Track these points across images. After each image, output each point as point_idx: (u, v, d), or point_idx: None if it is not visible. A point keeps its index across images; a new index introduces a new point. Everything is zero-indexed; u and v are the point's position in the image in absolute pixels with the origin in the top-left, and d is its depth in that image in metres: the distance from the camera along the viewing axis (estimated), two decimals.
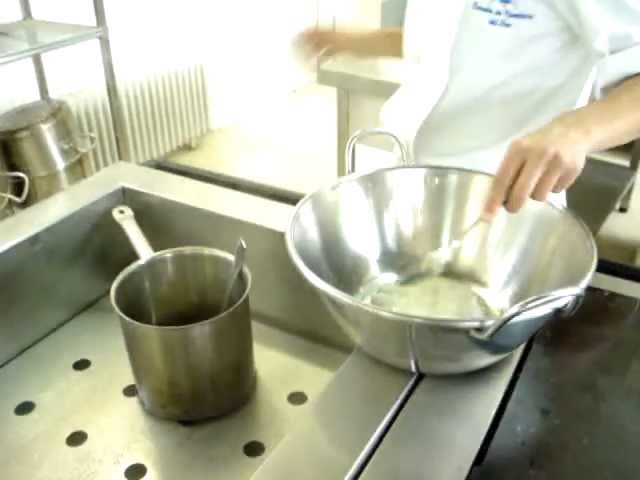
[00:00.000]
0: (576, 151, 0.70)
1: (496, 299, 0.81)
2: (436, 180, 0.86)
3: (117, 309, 0.83)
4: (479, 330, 0.58)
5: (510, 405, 0.67)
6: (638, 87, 0.84)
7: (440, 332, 0.63)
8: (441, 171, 0.87)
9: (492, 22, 0.94)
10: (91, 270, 1.11)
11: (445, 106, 1.06)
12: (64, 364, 1.00)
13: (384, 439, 0.64)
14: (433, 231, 0.86)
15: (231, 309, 0.83)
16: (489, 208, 0.72)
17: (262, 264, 1.03)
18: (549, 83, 1.00)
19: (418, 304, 0.79)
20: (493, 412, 0.67)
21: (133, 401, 0.93)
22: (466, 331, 0.59)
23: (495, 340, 0.60)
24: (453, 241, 0.85)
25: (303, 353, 1.02)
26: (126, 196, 1.13)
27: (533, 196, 0.71)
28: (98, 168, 2.95)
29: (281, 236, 1.02)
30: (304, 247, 0.74)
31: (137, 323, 0.82)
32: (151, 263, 0.92)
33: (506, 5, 0.92)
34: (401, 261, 0.85)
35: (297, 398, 0.94)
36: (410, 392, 0.70)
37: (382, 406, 0.68)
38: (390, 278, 0.86)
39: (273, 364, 0.99)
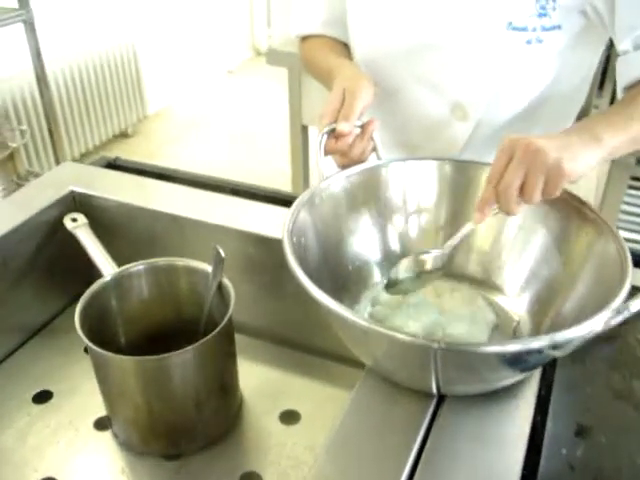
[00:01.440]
0: (570, 155, 0.64)
1: (508, 303, 0.74)
2: (443, 172, 0.78)
3: (84, 338, 0.73)
4: (554, 348, 0.52)
5: (549, 424, 0.60)
6: None
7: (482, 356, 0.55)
8: (449, 163, 0.79)
9: (528, 42, 0.83)
10: (43, 287, 0.99)
11: (459, 138, 0.94)
12: (22, 398, 0.88)
13: (416, 473, 0.57)
14: (438, 229, 0.78)
15: (215, 331, 0.74)
16: (479, 208, 0.67)
17: (239, 270, 0.94)
18: (568, 87, 0.93)
19: (424, 313, 0.71)
20: (527, 431, 0.61)
21: (106, 436, 0.83)
22: (539, 351, 0.52)
23: (533, 358, 0.54)
24: (447, 242, 0.76)
25: (290, 365, 0.93)
26: (77, 201, 1.01)
27: (521, 197, 0.65)
28: (31, 163, 2.75)
29: (257, 239, 0.93)
30: (302, 255, 0.65)
31: (109, 354, 0.72)
32: (117, 279, 0.82)
33: (542, 19, 0.82)
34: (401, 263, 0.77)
35: (289, 417, 0.85)
36: (433, 416, 0.63)
37: (407, 436, 0.60)
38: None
39: (259, 380, 0.90)
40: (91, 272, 1.01)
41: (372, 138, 0.81)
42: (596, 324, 0.55)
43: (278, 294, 0.94)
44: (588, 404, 0.63)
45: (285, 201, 1.02)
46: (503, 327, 0.72)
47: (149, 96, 3.64)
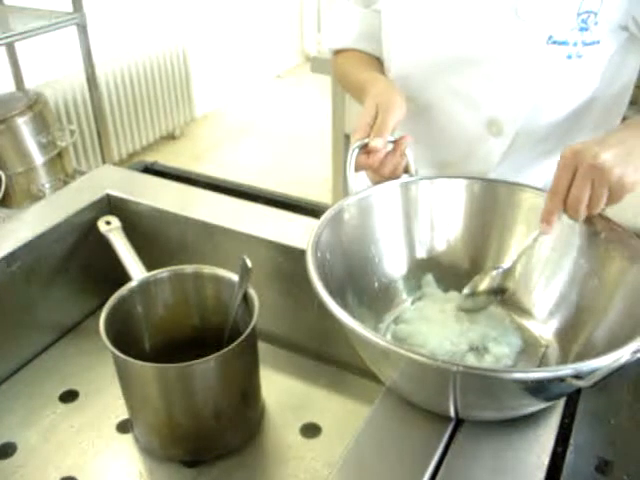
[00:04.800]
0: (633, 167, 0.65)
1: (537, 327, 0.72)
2: (473, 192, 0.76)
3: (108, 343, 0.73)
4: (578, 377, 0.50)
5: (569, 457, 0.58)
6: None
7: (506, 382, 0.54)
8: (481, 183, 0.78)
9: (569, 57, 0.81)
10: (75, 288, 1.01)
11: (493, 155, 0.93)
12: (49, 396, 0.89)
13: None
14: (467, 248, 0.77)
15: (237, 341, 0.74)
16: (546, 220, 0.69)
17: (266, 279, 0.94)
18: (606, 100, 0.90)
19: (449, 331, 0.69)
20: (546, 462, 0.59)
21: (128, 439, 0.83)
22: (561, 379, 0.51)
23: (556, 387, 0.52)
24: (504, 263, 0.74)
25: (313, 376, 0.92)
26: (112, 205, 1.03)
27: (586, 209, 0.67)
28: (79, 162, 2.82)
29: (286, 249, 0.93)
30: (327, 271, 0.64)
31: (131, 360, 0.73)
32: (144, 285, 0.82)
33: (583, 34, 0.80)
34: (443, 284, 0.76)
35: (310, 430, 0.85)
36: (450, 440, 0.61)
37: (422, 459, 0.59)
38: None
39: (281, 390, 0.90)
40: (123, 275, 1.03)
41: (405, 154, 0.79)
42: (623, 355, 0.53)
43: (305, 305, 0.93)
44: (611, 437, 0.60)
45: (318, 212, 1.02)
46: (530, 352, 0.69)
47: (197, 99, 3.69)
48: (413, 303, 0.77)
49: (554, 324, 0.71)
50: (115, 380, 0.90)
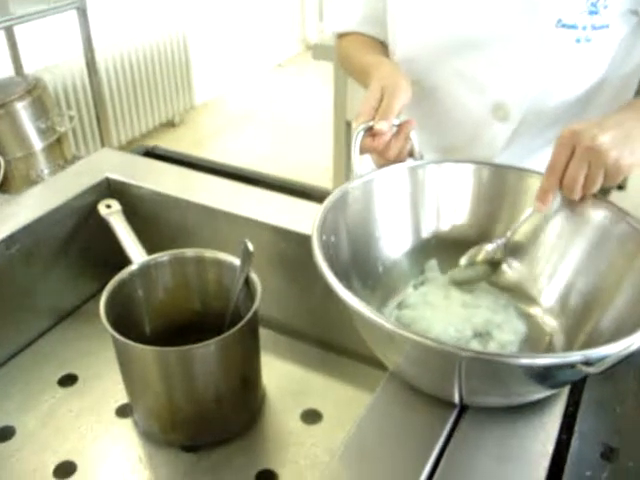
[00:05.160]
0: (629, 150, 0.66)
1: (542, 314, 0.71)
2: (478, 176, 0.75)
3: (108, 326, 0.72)
4: (588, 364, 0.50)
5: (574, 444, 0.57)
6: None
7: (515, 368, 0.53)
8: (489, 168, 0.77)
9: (577, 40, 0.80)
10: (75, 272, 1.00)
11: (498, 140, 0.92)
12: (47, 380, 0.89)
13: None
14: (472, 233, 0.76)
15: (238, 326, 0.73)
16: (542, 198, 0.70)
17: (268, 264, 0.93)
18: (614, 86, 0.89)
19: (453, 317, 0.68)
20: (551, 450, 0.58)
21: (127, 423, 0.83)
22: (571, 366, 0.50)
23: (564, 374, 0.51)
24: (500, 237, 0.75)
25: (314, 363, 0.92)
26: (112, 188, 1.01)
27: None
28: (78, 148, 2.80)
29: (288, 234, 0.92)
30: (331, 254, 0.63)
31: (132, 343, 0.72)
32: (144, 268, 0.82)
33: (592, 17, 0.79)
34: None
35: (311, 416, 0.84)
36: (453, 426, 0.60)
37: (425, 445, 0.58)
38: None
39: (282, 376, 0.89)
40: (123, 259, 1.02)
41: (409, 138, 0.78)
42: (633, 342, 0.52)
43: (307, 291, 0.92)
44: (617, 425, 0.60)
45: (320, 197, 1.01)
46: (535, 339, 0.69)
47: (197, 86, 3.67)
48: (416, 288, 0.76)
49: (559, 312, 0.70)
50: (114, 364, 0.89)
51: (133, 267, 0.81)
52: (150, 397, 0.78)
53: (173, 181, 1.02)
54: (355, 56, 0.97)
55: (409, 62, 0.90)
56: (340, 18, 1.02)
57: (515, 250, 0.74)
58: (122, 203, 0.95)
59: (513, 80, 0.85)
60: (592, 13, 0.78)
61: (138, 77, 3.16)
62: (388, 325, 0.54)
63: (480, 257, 0.74)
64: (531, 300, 0.73)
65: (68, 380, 0.89)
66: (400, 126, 0.77)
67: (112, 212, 0.93)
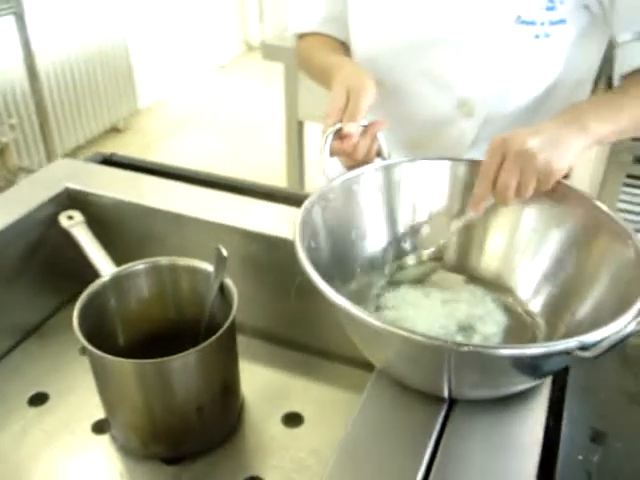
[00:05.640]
0: (558, 153, 0.68)
1: (521, 305, 0.72)
2: (453, 172, 0.76)
3: (83, 339, 0.70)
4: (583, 349, 0.51)
5: (564, 430, 0.59)
6: None
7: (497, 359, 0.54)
8: (459, 163, 0.78)
9: (537, 36, 0.82)
10: (37, 287, 0.96)
11: (464, 136, 0.93)
12: (16, 400, 0.85)
13: (430, 479, 0.55)
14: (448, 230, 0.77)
15: (218, 334, 0.72)
16: (475, 205, 0.73)
17: (239, 269, 0.92)
18: (572, 82, 0.91)
19: (436, 313, 0.69)
20: (541, 436, 0.59)
21: (105, 439, 0.81)
22: (567, 352, 0.51)
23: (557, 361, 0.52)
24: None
25: (292, 366, 0.91)
26: (72, 199, 0.98)
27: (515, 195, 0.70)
28: (21, 158, 2.71)
29: (259, 237, 0.91)
30: (313, 258, 0.63)
31: (109, 356, 0.70)
32: (117, 279, 0.79)
33: (550, 13, 0.81)
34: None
35: (292, 420, 0.83)
36: (444, 420, 0.61)
37: (419, 441, 0.59)
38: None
39: (260, 382, 0.88)
40: (87, 271, 0.99)
41: (376, 138, 0.79)
42: (626, 323, 0.53)
43: (280, 294, 0.92)
44: (603, 409, 0.62)
45: (285, 198, 1.00)
46: (516, 330, 0.70)
47: (141, 90, 3.60)
48: (392, 289, 0.76)
49: (538, 302, 0.71)
50: (86, 380, 0.86)
51: (105, 278, 0.78)
52: (129, 411, 0.76)
53: (135, 188, 1.00)
54: (316, 57, 0.96)
55: (371, 62, 0.90)
56: (300, 18, 1.01)
57: (491, 244, 0.75)
58: (84, 213, 0.92)
59: (476, 76, 0.86)
60: (549, 9, 0.80)
61: (80, 83, 3.08)
62: (383, 325, 0.54)
63: (425, 257, 0.77)
64: (508, 291, 0.74)
65: (39, 399, 0.86)
66: (367, 127, 0.78)
67: (74, 223, 0.91)
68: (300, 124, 2.04)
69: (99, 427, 0.82)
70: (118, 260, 0.84)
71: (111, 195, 0.97)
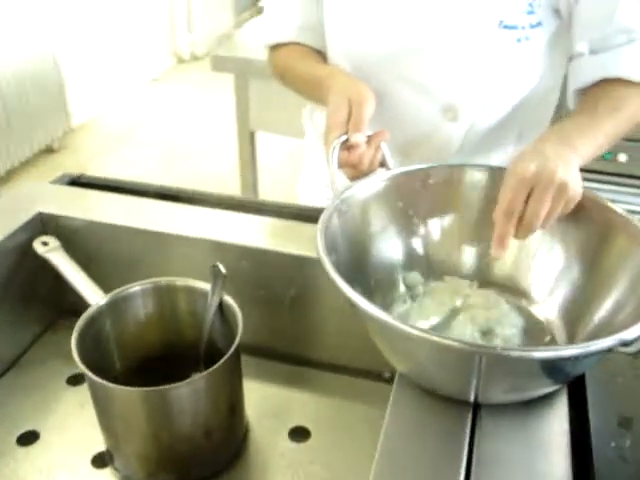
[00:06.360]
0: (575, 173, 0.67)
1: (536, 308, 0.73)
2: (467, 179, 0.77)
3: (84, 368, 0.67)
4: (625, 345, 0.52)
5: (592, 419, 0.60)
6: (614, 94, 0.80)
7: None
8: (475, 170, 0.78)
9: (518, 40, 0.83)
10: (13, 318, 0.91)
11: (451, 142, 0.93)
12: (4, 443, 0.80)
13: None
14: (462, 240, 0.77)
15: (227, 355, 0.70)
16: (502, 244, 0.67)
17: (229, 286, 0.89)
18: (545, 87, 0.93)
19: (457, 320, 0.69)
20: (567, 428, 0.60)
21: (106, 473, 0.77)
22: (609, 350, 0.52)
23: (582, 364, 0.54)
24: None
25: (291, 380, 0.90)
26: (46, 223, 0.94)
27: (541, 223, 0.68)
28: None
29: (248, 252, 0.89)
30: (336, 265, 0.62)
31: (112, 385, 0.67)
32: (113, 303, 0.76)
33: (530, 17, 0.82)
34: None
35: (299, 434, 0.82)
36: (473, 424, 0.61)
37: (454, 446, 0.58)
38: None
39: (261, 399, 0.86)
40: (64, 298, 0.95)
41: (380, 148, 0.78)
42: None
43: (274, 307, 0.90)
44: (623, 395, 0.63)
45: (256, 209, 0.98)
46: (533, 331, 0.70)
47: (73, 108, 3.49)
48: (405, 302, 0.76)
49: (552, 303, 0.72)
50: (78, 411, 0.83)
51: (101, 302, 0.75)
52: (134, 441, 0.73)
53: (110, 209, 0.96)
54: (298, 67, 0.95)
55: (354, 70, 0.90)
56: (274, 29, 1.00)
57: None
58: (58, 238, 0.88)
59: (460, 82, 0.87)
60: (530, 13, 0.82)
61: (9, 103, 2.96)
62: (419, 333, 0.53)
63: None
64: (520, 294, 0.74)
65: (28, 437, 0.81)
66: (371, 137, 0.77)
67: (50, 249, 0.87)
68: (252, 134, 2.02)
69: (100, 460, 0.78)
70: (101, 285, 0.80)
71: (86, 217, 0.93)
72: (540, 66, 0.88)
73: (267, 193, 2.39)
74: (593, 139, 0.74)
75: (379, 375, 0.89)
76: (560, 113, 0.99)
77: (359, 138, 0.74)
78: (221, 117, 3.69)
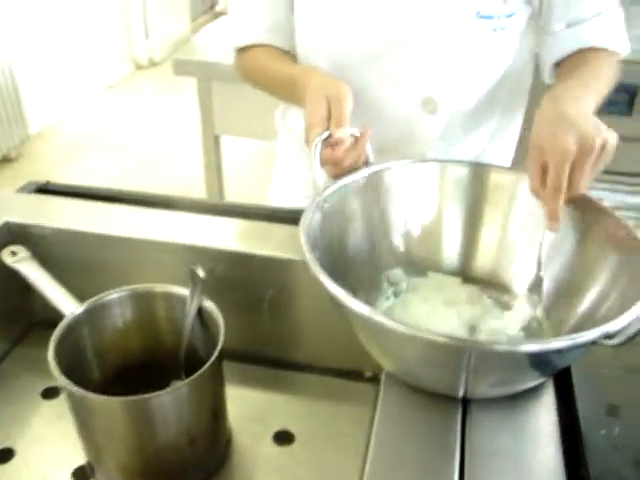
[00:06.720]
0: (602, 126, 0.67)
1: (517, 302, 0.74)
2: (446, 174, 0.77)
3: (63, 379, 0.65)
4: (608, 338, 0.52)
5: (580, 408, 0.60)
6: (591, 62, 0.84)
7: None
8: (453, 165, 0.79)
9: (495, 30, 0.85)
10: None
11: (430, 133, 0.94)
12: None
13: (466, 475, 0.55)
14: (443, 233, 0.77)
15: (211, 360, 0.68)
16: (556, 219, 0.68)
17: (208, 290, 0.88)
18: (519, 67, 0.95)
19: (443, 316, 0.69)
20: (556, 419, 0.61)
21: None
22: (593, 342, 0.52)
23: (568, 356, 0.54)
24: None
25: (271, 384, 0.89)
26: (13, 233, 0.91)
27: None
28: None
29: (223, 255, 0.88)
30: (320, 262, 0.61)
31: (94, 395, 0.65)
32: (90, 311, 0.74)
33: (505, 6, 0.84)
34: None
35: (283, 438, 0.81)
36: (464, 419, 0.61)
37: (446, 443, 0.58)
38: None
39: (243, 404, 0.85)
40: (33, 310, 0.93)
41: (365, 146, 0.78)
42: None
43: (251, 312, 0.89)
44: (610, 384, 0.64)
45: (229, 212, 0.97)
46: (514, 327, 0.71)
47: (30, 115, 3.41)
48: (389, 299, 0.76)
49: (535, 297, 0.73)
50: (54, 425, 0.81)
51: (78, 310, 0.73)
52: (117, 452, 0.71)
53: (80, 216, 0.94)
54: (270, 67, 0.94)
55: (333, 69, 0.89)
56: (241, 31, 0.99)
57: (481, 242, 0.76)
58: (27, 248, 0.86)
59: (439, 74, 0.88)
60: (504, 2, 0.83)
61: None
62: (408, 329, 0.53)
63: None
64: (503, 289, 0.75)
65: (4, 455, 0.78)
66: (357, 138, 0.77)
67: (20, 259, 0.84)
68: (216, 138, 2.00)
69: (80, 474, 0.75)
70: (71, 294, 0.78)
71: (56, 225, 0.91)
72: (513, 53, 0.90)
73: (232, 197, 2.37)
74: (590, 97, 0.76)
75: (360, 375, 0.89)
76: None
77: (342, 134, 0.74)
78: (181, 122, 3.66)
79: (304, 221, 0.66)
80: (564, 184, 0.66)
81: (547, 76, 0.93)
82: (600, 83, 0.81)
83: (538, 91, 0.96)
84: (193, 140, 2.85)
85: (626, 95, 1.78)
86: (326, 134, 0.74)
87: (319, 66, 0.91)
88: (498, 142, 1.01)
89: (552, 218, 0.68)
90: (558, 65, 0.90)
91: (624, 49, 0.88)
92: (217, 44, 1.93)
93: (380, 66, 0.88)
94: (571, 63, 0.86)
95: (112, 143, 3.58)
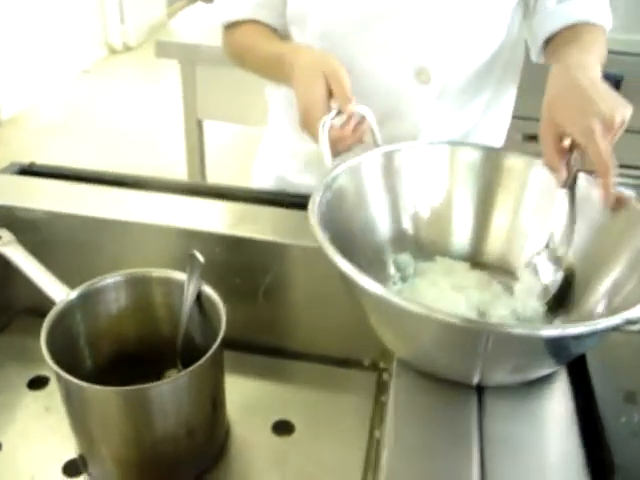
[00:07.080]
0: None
1: (527, 288, 0.71)
2: (455, 156, 0.75)
3: (57, 369, 0.62)
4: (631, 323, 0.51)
5: (598, 396, 0.59)
6: (583, 37, 0.84)
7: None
8: (460, 147, 0.77)
9: None
10: None
11: (424, 106, 0.91)
12: None
13: (486, 463, 0.53)
14: (449, 220, 0.75)
15: (212, 350, 0.66)
16: (610, 197, 0.66)
17: (206, 275, 0.84)
18: (511, 40, 0.93)
19: (453, 300, 0.67)
20: (572, 405, 0.59)
21: None
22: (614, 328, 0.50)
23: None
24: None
25: (269, 373, 0.86)
26: None
27: None
28: None
29: (218, 239, 0.85)
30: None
31: (89, 385, 0.62)
32: (84, 296, 0.71)
33: None
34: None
35: (283, 428, 0.78)
36: (479, 407, 0.59)
37: (464, 431, 0.56)
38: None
39: (242, 393, 0.82)
40: (16, 297, 0.89)
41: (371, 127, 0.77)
42: None
43: (245, 298, 0.86)
44: (626, 370, 0.62)
45: (222, 195, 0.94)
46: (524, 313, 0.69)
47: (2, 100, 3.32)
48: (396, 284, 0.73)
49: (544, 284, 0.71)
50: (42, 418, 0.77)
51: (71, 296, 0.69)
52: (113, 444, 0.67)
53: (68, 198, 0.90)
54: (257, 45, 0.91)
55: (324, 40, 0.87)
56: (230, 6, 0.95)
57: (491, 227, 0.74)
58: (13, 231, 0.81)
59: (431, 42, 0.86)
60: None
61: None
62: (427, 311, 0.51)
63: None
64: (512, 275, 0.73)
65: None
66: (364, 116, 0.75)
67: (5, 243, 0.80)
68: (199, 122, 1.95)
69: (72, 468, 0.72)
70: (60, 280, 0.74)
71: (42, 208, 0.87)
72: (506, 24, 0.89)
73: (215, 181, 2.33)
74: (596, 64, 0.76)
75: (360, 363, 0.87)
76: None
77: (353, 109, 0.72)
78: (158, 107, 3.59)
79: (313, 201, 0.63)
80: (610, 160, 0.65)
81: (535, 55, 0.92)
82: (600, 50, 0.82)
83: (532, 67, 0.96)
84: (171, 125, 2.80)
85: (611, 85, 1.79)
86: (334, 112, 0.71)
87: (309, 39, 0.88)
88: (492, 115, 0.99)
89: (607, 198, 0.66)
90: (547, 43, 0.89)
91: (609, 24, 0.89)
92: (196, 27, 1.89)
93: (372, 36, 0.86)
94: (563, 39, 0.85)
95: (86, 128, 3.50)
